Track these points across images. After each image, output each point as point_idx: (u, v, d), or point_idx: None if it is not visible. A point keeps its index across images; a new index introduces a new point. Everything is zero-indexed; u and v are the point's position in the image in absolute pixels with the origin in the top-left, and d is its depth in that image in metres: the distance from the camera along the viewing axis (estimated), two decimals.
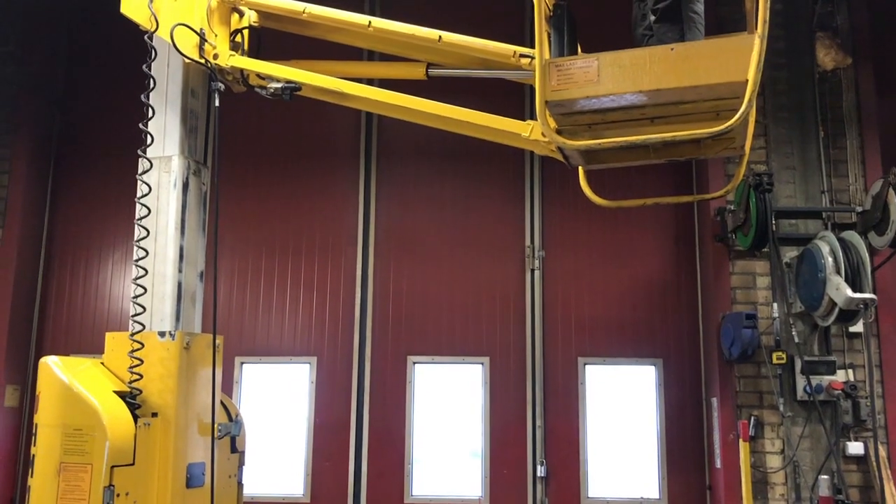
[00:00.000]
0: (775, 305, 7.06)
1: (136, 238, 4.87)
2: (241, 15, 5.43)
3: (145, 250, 4.86)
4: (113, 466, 4.30)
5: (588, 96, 4.30)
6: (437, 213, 8.34)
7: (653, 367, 7.95)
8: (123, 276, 8.36)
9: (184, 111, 5.15)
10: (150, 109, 4.99)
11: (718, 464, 7.31)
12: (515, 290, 8.15)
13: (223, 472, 5.22)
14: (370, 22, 5.14)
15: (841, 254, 6.48)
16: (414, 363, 8.11)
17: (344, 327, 8.19)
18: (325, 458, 7.96)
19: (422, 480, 7.93)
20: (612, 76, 4.26)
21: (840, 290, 6.34)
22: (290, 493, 7.95)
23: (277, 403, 8.15)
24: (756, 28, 4.08)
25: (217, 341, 5.11)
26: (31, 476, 4.47)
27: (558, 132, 4.58)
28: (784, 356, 6.90)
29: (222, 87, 5.13)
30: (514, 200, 8.22)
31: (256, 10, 5.41)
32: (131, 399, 4.59)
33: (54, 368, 4.58)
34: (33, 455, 4.50)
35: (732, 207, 7.28)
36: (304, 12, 5.26)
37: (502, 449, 7.88)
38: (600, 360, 7.98)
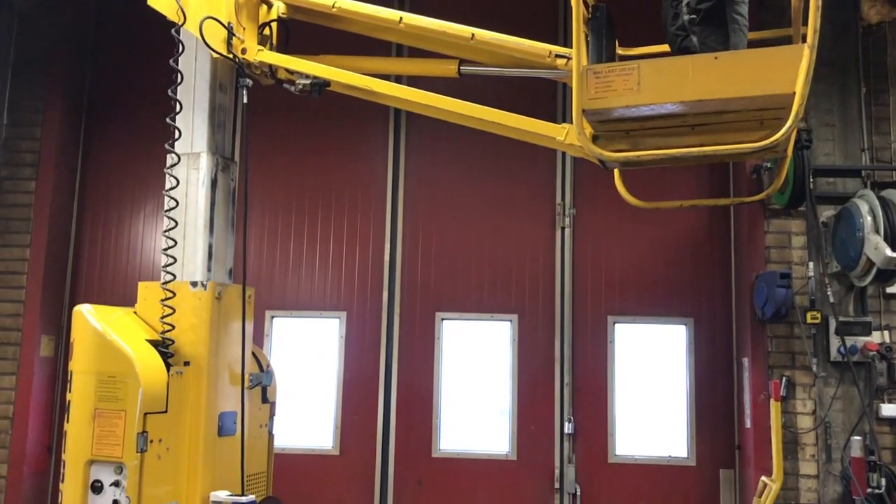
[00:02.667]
0: (811, 264, 6.93)
1: (164, 228, 4.89)
2: (270, 7, 5.32)
3: (174, 240, 4.86)
4: (146, 413, 4.37)
5: (627, 105, 4.17)
6: (466, 170, 8.27)
7: (683, 327, 7.87)
8: (155, 229, 8.41)
9: (212, 107, 5.11)
10: (177, 104, 4.95)
11: (748, 424, 7.26)
12: (545, 248, 8.09)
13: (254, 421, 5.28)
14: (401, 18, 5.01)
15: (881, 213, 6.33)
16: (442, 319, 8.11)
17: (373, 283, 8.20)
18: (353, 412, 8.03)
19: (449, 436, 7.98)
20: (653, 85, 4.12)
21: (879, 250, 6.21)
22: (319, 445, 8.04)
23: (307, 357, 8.20)
24: (803, 36, 3.94)
25: (248, 292, 5.15)
26: (68, 421, 4.55)
27: (594, 137, 4.45)
28: (819, 316, 6.79)
29: (251, 83, 5.05)
30: (545, 158, 8.11)
31: (285, 2, 5.30)
32: (164, 348, 4.64)
33: (88, 316, 4.63)
34: (69, 401, 4.58)
35: (769, 165, 7.13)
36: (333, 6, 5.13)
37: (530, 406, 7.89)
38: (630, 319, 7.92)
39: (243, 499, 4.66)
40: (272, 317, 8.24)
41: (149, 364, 4.47)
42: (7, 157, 8.12)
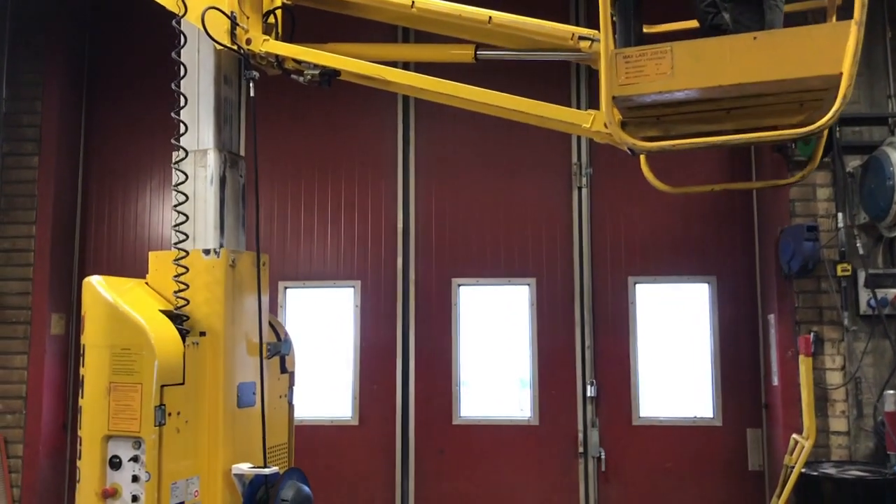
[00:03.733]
0: (840, 216, 6.72)
1: (174, 222, 4.66)
2: None
3: (185, 234, 4.66)
4: (163, 385, 4.21)
5: (661, 91, 3.91)
6: (479, 131, 8.05)
7: (706, 285, 7.70)
8: (163, 201, 8.25)
9: (217, 100, 4.86)
10: (182, 98, 4.73)
11: (776, 381, 7.11)
12: (562, 209, 7.90)
13: (274, 392, 5.13)
14: (413, 2, 4.73)
15: None
16: (459, 285, 7.95)
17: (387, 250, 8.03)
18: (372, 381, 7.90)
19: (469, 402, 7.86)
20: (688, 69, 3.84)
21: None
22: (338, 415, 7.93)
23: (323, 328, 8.07)
24: (838, 8, 3.70)
25: (262, 259, 4.98)
26: (82, 397, 4.40)
27: (622, 124, 4.20)
28: (849, 268, 6.60)
29: (257, 75, 4.78)
30: (559, 100, 7.84)
31: None
32: (178, 318, 4.47)
33: (99, 288, 4.46)
34: (82, 376, 4.42)
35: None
36: None
37: (551, 370, 7.74)
38: (651, 279, 7.75)
39: (266, 470, 4.52)
40: (285, 287, 8.09)
41: (164, 335, 4.31)
42: (8, 131, 7.93)
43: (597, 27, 4.11)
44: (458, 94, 4.63)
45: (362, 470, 7.79)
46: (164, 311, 4.47)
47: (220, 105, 4.88)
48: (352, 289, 8.03)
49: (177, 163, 4.74)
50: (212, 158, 4.80)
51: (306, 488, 4.68)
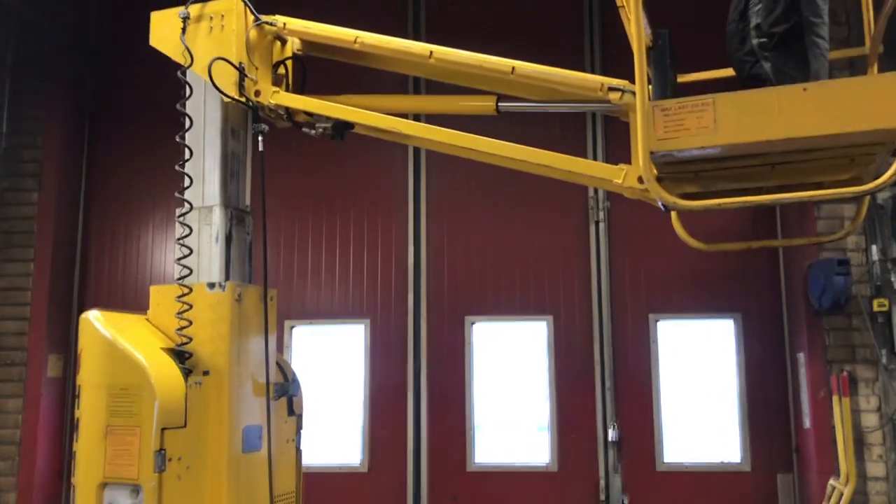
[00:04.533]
0: (874, 248, 6.45)
1: (177, 276, 4.36)
2: (284, 44, 4.81)
3: (189, 268, 4.38)
4: (163, 428, 3.89)
5: (703, 147, 3.64)
6: (491, 165, 7.78)
7: (731, 322, 7.41)
8: (166, 239, 7.99)
9: (224, 155, 4.60)
10: (187, 150, 4.51)
11: (807, 424, 6.76)
12: (579, 244, 7.64)
13: (281, 436, 4.81)
14: (431, 52, 4.49)
15: None
16: (472, 323, 7.66)
17: (397, 287, 7.75)
18: (382, 425, 7.58)
19: (485, 447, 7.52)
20: (732, 123, 3.58)
21: None
22: (347, 462, 7.58)
23: (330, 369, 7.76)
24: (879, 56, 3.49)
25: (270, 294, 4.70)
26: (76, 440, 4.09)
27: (658, 180, 3.96)
28: (886, 303, 6.31)
29: (266, 128, 4.58)
30: (576, 148, 7.66)
31: (301, 38, 4.78)
32: (180, 356, 4.17)
33: (96, 324, 4.17)
34: (77, 418, 4.12)
35: None
36: (356, 41, 4.64)
37: (570, 412, 7.41)
38: (673, 316, 7.46)
39: None
40: (291, 327, 7.80)
41: (165, 374, 4.01)
42: (8, 166, 7.72)
43: (615, 74, 3.92)
44: (480, 147, 4.36)
45: None
46: (165, 349, 4.18)
47: (226, 159, 4.62)
48: (361, 326, 7.73)
49: (181, 216, 4.49)
50: (217, 215, 4.53)
51: None
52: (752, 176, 3.98)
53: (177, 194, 4.44)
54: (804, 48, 3.81)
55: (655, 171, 3.79)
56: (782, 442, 7.17)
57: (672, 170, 3.95)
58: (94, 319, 4.20)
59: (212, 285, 4.40)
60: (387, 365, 7.66)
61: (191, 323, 4.25)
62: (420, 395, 7.55)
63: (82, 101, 8.26)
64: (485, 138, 4.27)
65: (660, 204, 3.85)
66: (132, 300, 7.88)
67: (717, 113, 3.61)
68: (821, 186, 3.95)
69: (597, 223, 7.59)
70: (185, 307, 4.27)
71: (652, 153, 3.69)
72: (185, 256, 4.37)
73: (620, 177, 3.98)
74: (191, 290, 4.30)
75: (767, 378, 7.27)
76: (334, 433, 7.66)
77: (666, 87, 3.94)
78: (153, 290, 4.54)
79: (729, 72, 4.22)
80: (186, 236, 4.44)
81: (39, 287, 7.57)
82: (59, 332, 7.70)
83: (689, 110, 3.66)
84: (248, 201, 4.86)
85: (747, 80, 3.93)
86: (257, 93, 4.61)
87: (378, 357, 7.68)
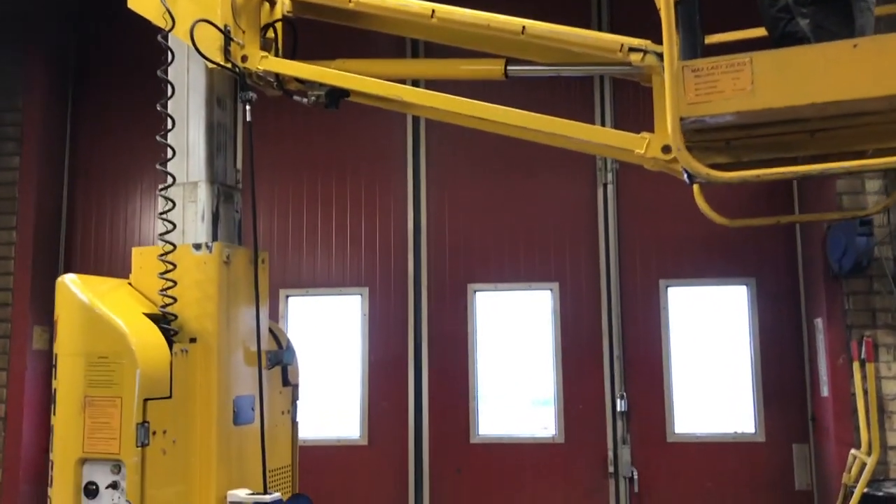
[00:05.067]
0: None
1: (161, 254, 3.98)
2: (273, 5, 4.44)
3: (173, 264, 4.01)
4: (146, 399, 3.60)
5: (740, 111, 3.29)
6: None
7: (744, 287, 7.12)
8: (154, 207, 7.65)
9: (209, 126, 4.26)
10: (169, 120, 4.16)
11: (825, 392, 6.49)
12: (586, 208, 7.32)
13: (275, 407, 4.53)
14: (433, 11, 4.10)
15: None
16: (475, 291, 7.36)
17: (397, 255, 7.45)
18: (382, 397, 7.30)
19: (488, 419, 7.26)
20: (772, 84, 3.21)
21: None
22: (345, 435, 7.31)
23: (328, 339, 7.47)
24: None
25: (261, 256, 4.40)
26: (54, 414, 3.81)
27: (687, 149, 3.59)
28: None
29: (254, 97, 4.20)
30: (584, 108, 7.34)
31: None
32: (164, 322, 3.87)
33: (73, 288, 3.88)
34: (55, 390, 3.83)
35: None
36: (351, 1, 4.30)
37: (577, 383, 7.14)
38: (684, 282, 7.17)
39: (267, 497, 3.90)
40: (287, 296, 7.49)
41: (147, 341, 3.71)
42: None
43: (627, 34, 3.58)
44: (490, 116, 3.96)
45: (373, 494, 7.17)
46: (148, 315, 3.87)
47: (212, 131, 4.27)
48: (359, 296, 7.44)
49: (164, 189, 4.15)
50: (203, 192, 4.20)
51: None
52: (788, 144, 3.60)
53: (158, 166, 4.12)
54: (847, 2, 3.45)
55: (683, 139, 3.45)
56: (797, 411, 6.92)
57: (700, 138, 3.57)
58: (71, 283, 3.90)
59: (198, 246, 4.09)
60: (386, 335, 7.37)
61: (175, 283, 3.95)
62: (421, 365, 7.28)
63: (65, 62, 7.88)
64: (494, 106, 3.90)
65: (685, 176, 3.51)
66: (120, 270, 7.57)
67: (755, 73, 3.22)
68: (863, 155, 3.61)
69: (605, 186, 7.27)
70: (169, 268, 3.96)
71: (681, 119, 3.34)
72: (167, 232, 4.03)
73: (643, 146, 3.61)
74: (175, 247, 3.99)
75: (782, 345, 7.00)
76: (332, 406, 7.39)
77: (696, 46, 3.56)
78: (135, 252, 4.23)
79: (759, 31, 3.88)
80: (170, 210, 4.11)
81: (22, 256, 7.25)
82: (44, 304, 7.38)
83: (724, 71, 3.28)
84: (238, 168, 4.51)
85: (780, 38, 3.54)
86: (244, 58, 4.24)
87: (377, 327, 7.39)
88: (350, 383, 7.38)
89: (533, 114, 3.85)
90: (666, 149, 3.48)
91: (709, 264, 7.13)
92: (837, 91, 3.14)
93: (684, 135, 3.39)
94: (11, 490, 6.88)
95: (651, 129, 3.51)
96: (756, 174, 3.42)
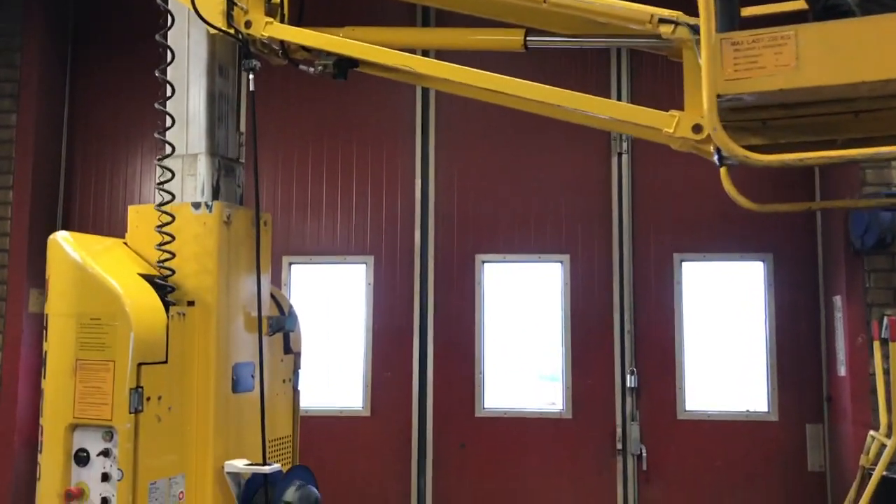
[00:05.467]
0: None
1: (159, 224, 3.78)
2: None
3: (171, 216, 3.79)
4: (140, 364, 3.42)
5: (783, 89, 3.03)
6: None
7: (761, 263, 6.91)
8: (154, 171, 7.44)
9: (210, 95, 4.06)
10: (168, 87, 3.96)
11: (842, 371, 6.31)
12: (600, 178, 7.10)
13: (276, 375, 4.36)
14: None
15: None
16: (483, 262, 7.16)
17: (403, 223, 7.24)
18: (385, 367, 7.13)
19: (494, 392, 7.09)
20: (819, 60, 2.96)
21: None
22: (347, 405, 7.15)
23: (331, 309, 7.28)
24: None
25: (263, 218, 4.20)
26: (44, 377, 3.64)
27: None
28: None
29: (258, 64, 3.97)
30: (599, 74, 7.09)
31: None
32: (161, 284, 3.68)
33: (65, 246, 3.70)
34: (45, 352, 3.66)
35: None
36: None
37: (586, 357, 6.97)
38: (700, 256, 6.96)
39: (266, 468, 3.74)
40: (290, 263, 7.30)
41: (142, 303, 3.53)
42: None
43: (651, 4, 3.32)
44: (508, 90, 3.70)
45: (375, 466, 7.02)
46: (143, 276, 3.68)
47: (213, 101, 4.07)
48: (364, 265, 7.24)
49: (162, 159, 3.94)
50: (203, 165, 4.00)
51: (314, 490, 3.89)
52: (830, 126, 3.32)
53: (157, 135, 3.92)
54: None
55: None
56: (812, 390, 6.74)
57: (735, 118, 3.31)
58: (64, 242, 3.73)
59: (197, 205, 3.90)
60: (391, 305, 7.19)
61: (173, 238, 3.75)
62: (426, 336, 7.10)
63: (64, 19, 7.62)
64: (513, 79, 3.64)
65: (715, 158, 3.28)
66: (119, 232, 7.26)
67: (800, 48, 2.96)
68: None
69: (619, 155, 7.04)
70: (168, 219, 3.77)
71: (720, 96, 3.09)
72: (166, 202, 3.81)
73: (672, 125, 3.38)
74: (173, 218, 3.79)
75: (799, 323, 6.81)
76: (336, 376, 7.23)
77: (734, 18, 3.31)
78: (131, 210, 4.05)
79: (797, 4, 3.70)
80: (168, 181, 3.91)
81: (19, 217, 7.04)
82: (41, 266, 7.05)
83: (766, 45, 3.01)
84: (242, 131, 4.29)
85: (822, 12, 3.31)
86: (248, 24, 4.01)
87: (382, 297, 7.21)
88: (353, 353, 7.21)
89: (554, 88, 3.61)
90: (696, 128, 3.25)
91: (725, 238, 6.92)
92: (892, 68, 2.90)
93: (720, 113, 3.16)
94: (6, 455, 6.74)
95: (671, 107, 3.29)
96: (799, 158, 3.17)
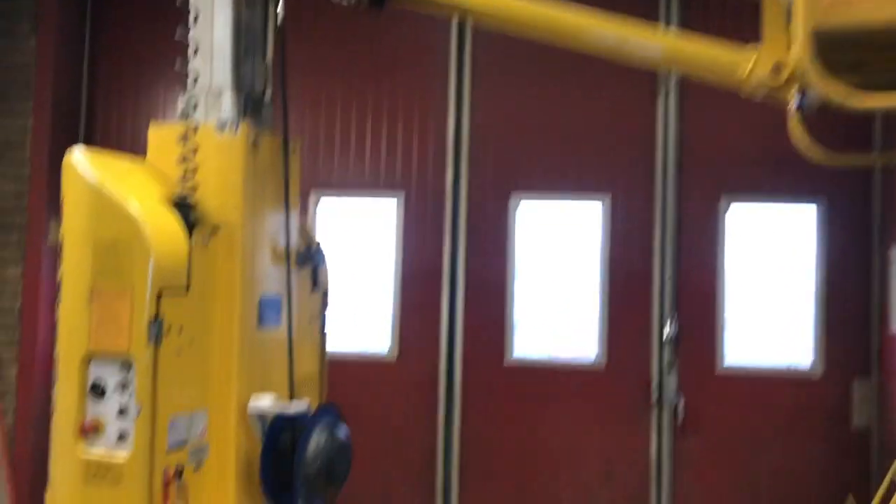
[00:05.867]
0: None
1: (181, 143, 3.55)
2: None
3: (195, 155, 3.53)
4: (160, 293, 3.18)
5: (891, 21, 2.68)
6: None
7: (813, 206, 6.55)
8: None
9: (237, 26, 3.73)
10: (191, 15, 3.70)
11: (895, 328, 5.97)
12: (644, 115, 6.74)
13: (304, 312, 4.11)
14: None
15: None
16: (518, 201, 6.83)
17: (435, 158, 6.93)
18: (413, 310, 6.88)
19: (525, 339, 6.83)
20: None
21: None
22: (374, 349, 6.93)
23: (359, 247, 7.02)
24: None
25: (292, 145, 3.92)
26: (58, 304, 3.41)
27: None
28: None
29: None
30: (645, 6, 6.65)
31: None
32: (183, 208, 3.41)
33: (80, 166, 3.43)
34: (60, 278, 3.42)
35: None
36: None
37: (623, 304, 6.69)
38: (748, 199, 6.62)
39: (293, 407, 3.52)
40: (317, 199, 7.01)
41: (162, 227, 3.27)
42: None
43: None
44: (571, 29, 3.35)
45: (400, 412, 6.84)
46: (164, 199, 3.41)
47: (239, 32, 3.75)
48: (394, 200, 6.95)
49: (185, 92, 3.73)
50: (227, 102, 3.70)
51: (343, 431, 3.67)
52: None
53: (177, 69, 3.69)
54: None
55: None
56: (860, 346, 6.44)
57: (831, 56, 2.96)
58: (79, 161, 3.46)
59: (222, 126, 3.61)
60: (421, 245, 6.92)
61: (195, 151, 3.47)
62: (456, 279, 6.83)
63: None
64: (565, 12, 3.29)
65: (795, 102, 2.91)
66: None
67: None
68: None
69: (665, 94, 6.65)
70: (189, 149, 3.50)
71: (817, 31, 2.71)
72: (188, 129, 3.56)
73: (747, 64, 3.00)
74: (197, 127, 3.52)
75: (850, 273, 6.48)
76: (361, 318, 7.01)
77: None
78: (152, 128, 3.78)
79: None
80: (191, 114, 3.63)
81: (39, 144, 6.81)
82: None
83: None
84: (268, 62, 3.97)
85: None
86: None
87: (411, 235, 6.93)
88: (381, 295, 6.96)
89: (609, 20, 3.25)
90: (776, 68, 2.89)
91: (775, 181, 6.56)
92: None
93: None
94: (27, 386, 6.61)
95: None
96: None
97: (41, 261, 6.70)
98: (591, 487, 6.57)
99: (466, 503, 6.70)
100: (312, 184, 6.90)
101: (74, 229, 3.37)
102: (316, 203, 7.02)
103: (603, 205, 6.72)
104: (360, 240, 7.06)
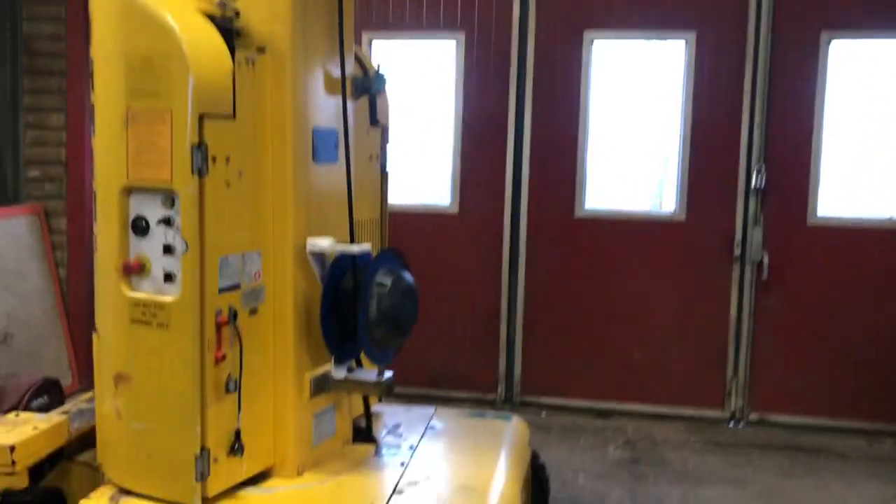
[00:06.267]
0: None
1: None
2: None
3: None
4: (202, 116, 2.78)
5: None
6: None
7: None
8: None
9: None
10: None
11: None
12: None
13: (362, 149, 3.71)
14: None
15: None
16: (592, 40, 6.21)
17: None
18: (476, 161, 6.42)
19: (597, 191, 6.37)
20: None
21: None
22: (434, 202, 6.57)
23: (415, 94, 6.51)
24: None
25: None
26: (93, 133, 3.06)
27: None
28: None
29: None
30: None
31: None
32: (225, 22, 2.96)
33: None
34: (92, 105, 3.05)
35: None
36: None
37: (706, 152, 6.12)
38: (852, 34, 5.87)
39: (355, 247, 3.18)
40: (371, 39, 6.48)
41: (201, 42, 2.84)
42: None
43: None
44: None
45: (462, 267, 6.50)
46: (203, 12, 2.96)
47: None
48: (454, 41, 6.38)
49: None
50: None
51: (409, 275, 3.33)
52: None
53: None
54: None
55: None
56: None
57: None
58: None
59: None
60: (484, 91, 6.38)
61: None
62: (523, 125, 6.32)
63: None
64: None
65: None
66: None
67: None
68: None
69: None
70: None
71: None
72: None
73: None
74: None
75: None
76: (419, 169, 6.62)
77: None
78: None
79: None
80: None
81: None
82: None
83: None
84: None
85: None
86: None
87: (473, 81, 6.39)
88: (440, 143, 6.52)
89: None
90: None
91: (885, 12, 5.79)
92: None
93: None
94: (78, 239, 6.41)
95: None
96: None
97: (83, 106, 6.33)
98: (664, 346, 6.24)
99: (531, 358, 6.45)
100: (363, 25, 6.33)
101: (105, 44, 2.97)
102: (368, 46, 6.48)
103: (687, 43, 6.06)
104: (418, 86, 6.55)
